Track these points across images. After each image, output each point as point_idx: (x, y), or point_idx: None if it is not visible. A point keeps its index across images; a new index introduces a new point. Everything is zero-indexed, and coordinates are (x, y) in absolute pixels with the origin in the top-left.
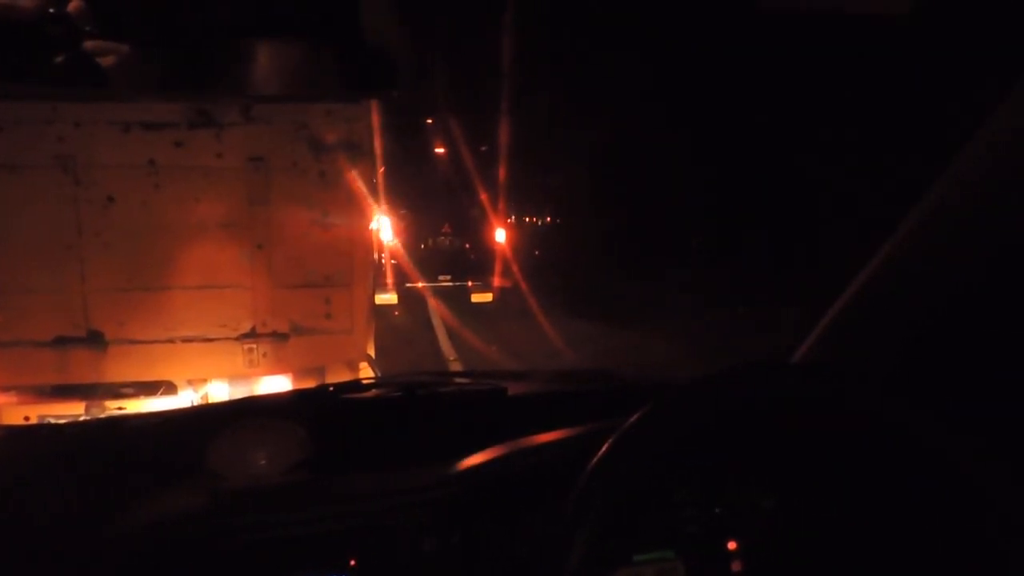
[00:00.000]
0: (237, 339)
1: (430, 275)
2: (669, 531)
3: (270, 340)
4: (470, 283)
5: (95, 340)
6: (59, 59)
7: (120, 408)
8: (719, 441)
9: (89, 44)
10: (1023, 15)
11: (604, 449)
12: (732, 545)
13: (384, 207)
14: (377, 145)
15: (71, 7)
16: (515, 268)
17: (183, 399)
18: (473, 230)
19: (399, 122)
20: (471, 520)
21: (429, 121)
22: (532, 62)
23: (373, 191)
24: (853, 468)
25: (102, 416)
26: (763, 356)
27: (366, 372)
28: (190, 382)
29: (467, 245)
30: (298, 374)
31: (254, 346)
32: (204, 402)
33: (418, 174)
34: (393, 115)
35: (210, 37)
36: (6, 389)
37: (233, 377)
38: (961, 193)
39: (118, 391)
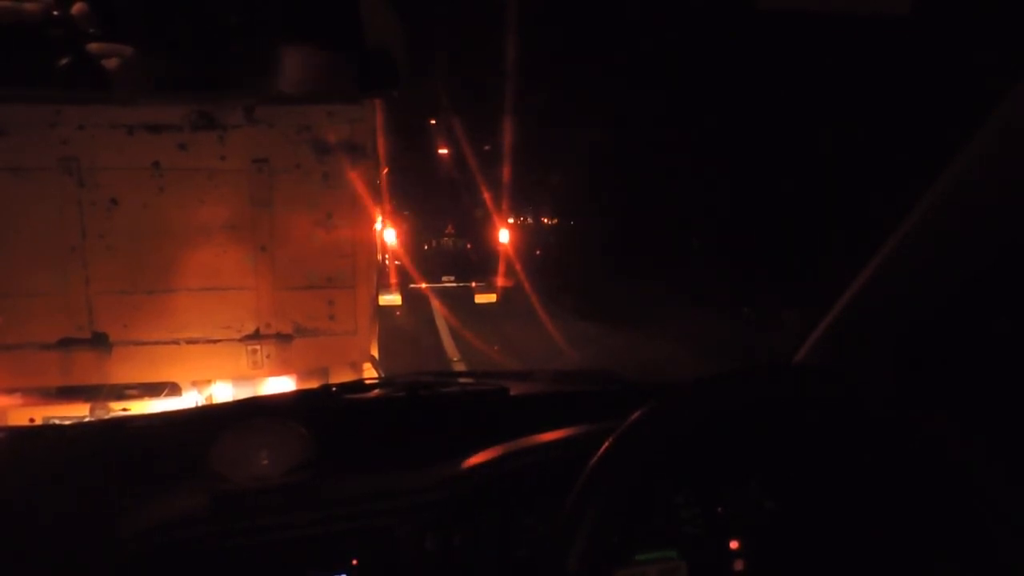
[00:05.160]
0: (241, 340)
1: (433, 276)
2: (671, 531)
3: (274, 341)
4: (474, 284)
5: (99, 342)
6: (62, 62)
7: (124, 409)
8: (721, 441)
9: (92, 47)
10: (1023, 15)
11: (604, 448)
12: (734, 545)
13: (387, 208)
14: (380, 146)
15: (74, 10)
16: (518, 268)
17: (187, 400)
18: (476, 231)
19: (402, 123)
20: (473, 520)
21: (432, 122)
22: (534, 61)
23: (376, 192)
24: (854, 468)
25: (106, 417)
26: (765, 357)
27: (370, 373)
28: (194, 383)
29: (469, 246)
30: (302, 375)
31: (258, 347)
32: (208, 403)
33: (421, 175)
34: (396, 116)
35: (212, 39)
36: (11, 391)
37: (237, 378)
38: (961, 193)
39: (122, 392)
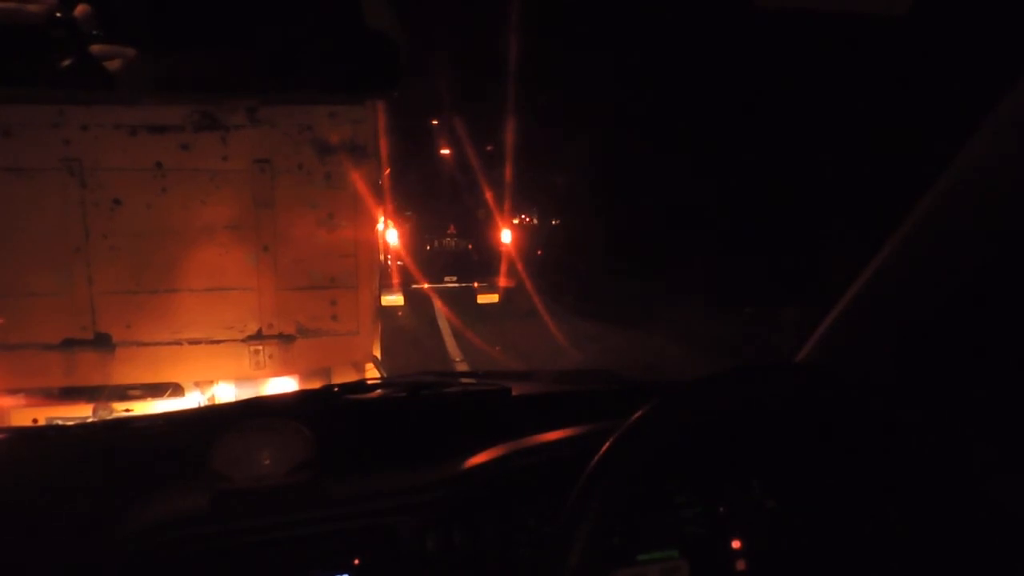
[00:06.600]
0: (243, 341)
1: (435, 276)
2: (673, 530)
3: (276, 342)
4: (476, 284)
5: (102, 342)
6: (65, 62)
7: (127, 410)
8: (721, 441)
9: (95, 48)
10: (1023, 15)
11: (605, 448)
12: (736, 544)
13: (389, 208)
14: (382, 146)
15: (77, 11)
16: (520, 269)
17: (190, 401)
18: (478, 231)
19: (404, 123)
20: (474, 520)
21: (434, 122)
22: (536, 61)
23: (378, 192)
24: (855, 467)
25: (109, 418)
26: (766, 356)
27: (372, 373)
28: (197, 384)
29: (471, 246)
30: (304, 375)
31: (260, 348)
32: (210, 404)
33: (423, 175)
34: (398, 116)
35: (214, 40)
36: (14, 391)
37: (240, 379)
38: (961, 193)
39: (125, 393)
